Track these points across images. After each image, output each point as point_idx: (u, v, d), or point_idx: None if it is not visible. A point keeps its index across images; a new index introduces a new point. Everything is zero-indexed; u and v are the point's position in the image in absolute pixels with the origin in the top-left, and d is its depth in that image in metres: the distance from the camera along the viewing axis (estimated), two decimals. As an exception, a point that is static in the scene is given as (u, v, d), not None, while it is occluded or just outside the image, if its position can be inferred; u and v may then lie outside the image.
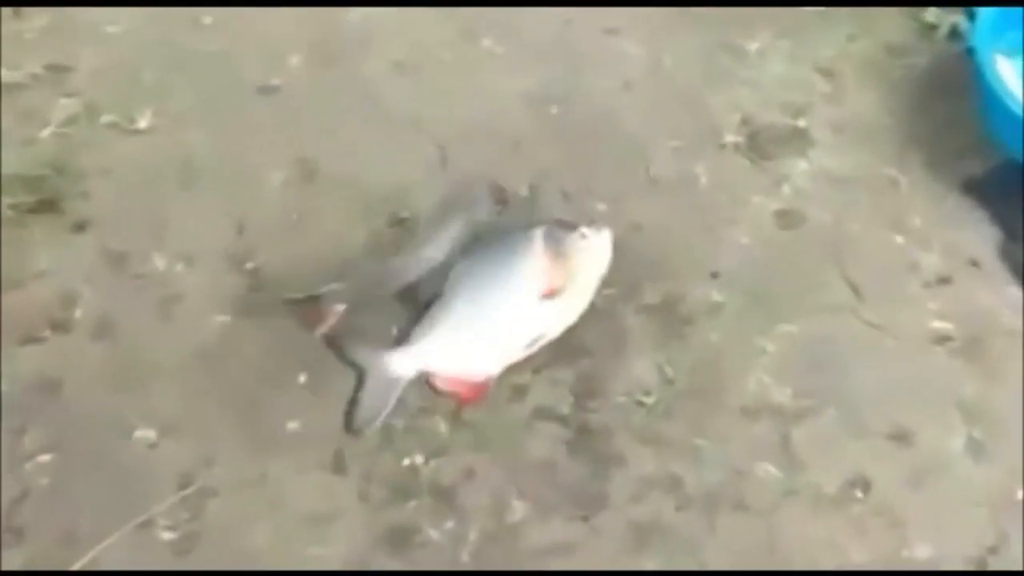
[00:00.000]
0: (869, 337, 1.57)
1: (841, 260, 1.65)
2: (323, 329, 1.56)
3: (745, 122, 1.80)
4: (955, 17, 1.89)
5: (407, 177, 1.76)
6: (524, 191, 1.74)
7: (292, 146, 1.79)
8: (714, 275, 1.65)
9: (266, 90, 1.86)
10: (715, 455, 1.49)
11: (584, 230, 1.60)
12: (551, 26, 1.92)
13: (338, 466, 1.50)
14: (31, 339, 1.60)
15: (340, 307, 1.57)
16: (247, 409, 1.54)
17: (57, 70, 1.90)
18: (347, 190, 1.75)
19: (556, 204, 1.73)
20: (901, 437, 1.49)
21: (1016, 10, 1.69)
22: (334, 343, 1.55)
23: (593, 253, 1.60)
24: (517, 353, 1.55)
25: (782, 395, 1.54)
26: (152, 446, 1.51)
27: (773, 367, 1.56)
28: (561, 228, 1.63)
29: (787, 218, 1.70)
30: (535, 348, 1.55)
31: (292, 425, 1.52)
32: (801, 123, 1.80)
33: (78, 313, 1.63)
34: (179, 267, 1.68)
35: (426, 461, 1.49)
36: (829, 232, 1.68)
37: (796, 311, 1.61)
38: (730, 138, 1.78)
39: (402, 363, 1.52)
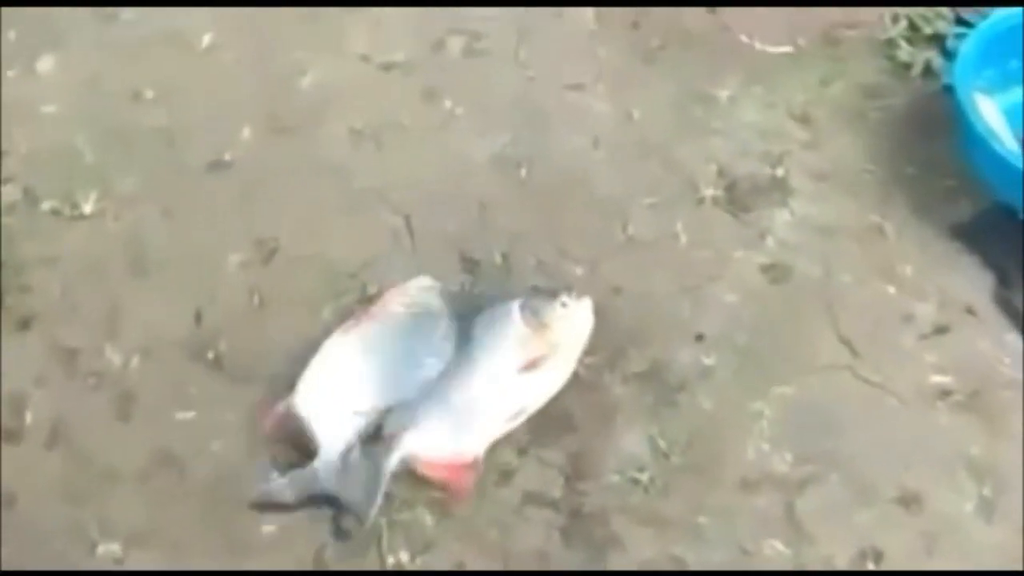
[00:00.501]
0: (868, 395, 1.55)
1: (833, 314, 1.63)
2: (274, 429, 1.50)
3: (722, 174, 1.78)
4: (928, 54, 1.88)
5: (373, 249, 1.72)
6: (496, 258, 1.69)
7: (248, 224, 1.74)
8: (699, 337, 1.61)
9: (217, 166, 1.82)
10: (718, 533, 1.46)
11: (563, 298, 1.57)
12: (512, 85, 1.90)
13: (320, 568, 1.43)
14: (-22, 450, 1.52)
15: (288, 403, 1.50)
16: (218, 513, 1.48)
17: (-11, 155, 1.84)
18: (310, 268, 1.71)
19: (530, 271, 1.70)
20: (910, 501, 1.46)
21: (994, 46, 1.69)
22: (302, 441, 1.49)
23: (574, 321, 1.57)
24: (499, 428, 1.51)
25: (783, 463, 1.51)
26: (118, 561, 1.45)
27: (771, 433, 1.53)
28: (539, 297, 1.59)
29: (773, 272, 1.68)
30: (518, 422, 1.51)
31: (268, 528, 1.47)
32: (780, 172, 1.79)
33: (28, 418, 1.57)
34: (135, 361, 1.62)
35: (412, 558, 1.45)
36: (818, 285, 1.66)
37: (790, 371, 1.58)
38: (708, 191, 1.76)
39: (384, 454, 1.47)
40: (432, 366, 1.54)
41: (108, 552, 1.45)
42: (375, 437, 1.48)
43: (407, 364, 1.53)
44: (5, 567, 1.42)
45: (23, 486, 1.49)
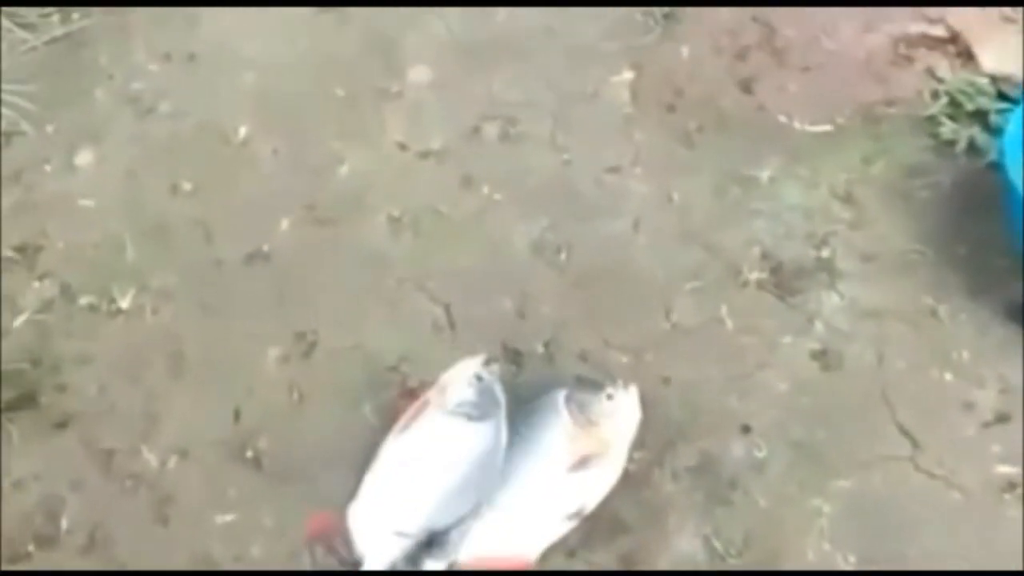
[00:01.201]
0: (932, 489, 1.46)
1: (889, 403, 1.54)
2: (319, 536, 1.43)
3: (766, 256, 1.71)
4: (971, 131, 1.82)
5: (413, 340, 1.66)
6: (539, 348, 1.62)
7: (287, 317, 1.69)
8: (745, 429, 1.52)
9: (255, 258, 1.77)
10: None
11: (609, 390, 1.49)
12: (550, 168, 1.84)
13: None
14: (14, 557, 1.46)
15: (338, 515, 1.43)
16: None
17: (28, 251, 1.80)
18: (350, 360, 1.65)
19: (574, 360, 1.63)
20: (983, 603, 1.36)
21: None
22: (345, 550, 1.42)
23: (622, 415, 1.49)
24: (556, 530, 1.43)
25: (846, 564, 1.42)
26: None
27: (832, 531, 1.45)
28: (584, 389, 1.52)
29: (824, 359, 1.60)
30: (574, 523, 1.43)
31: None
32: (825, 253, 1.71)
33: (64, 523, 1.51)
34: (172, 462, 1.57)
35: None
36: (872, 372, 1.58)
37: (849, 464, 1.50)
38: (752, 275, 1.69)
39: (431, 560, 1.41)
40: (490, 474, 1.45)
41: None
42: (424, 546, 1.39)
43: (466, 477, 1.45)
44: None
45: (59, 596, 1.41)
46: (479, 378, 1.52)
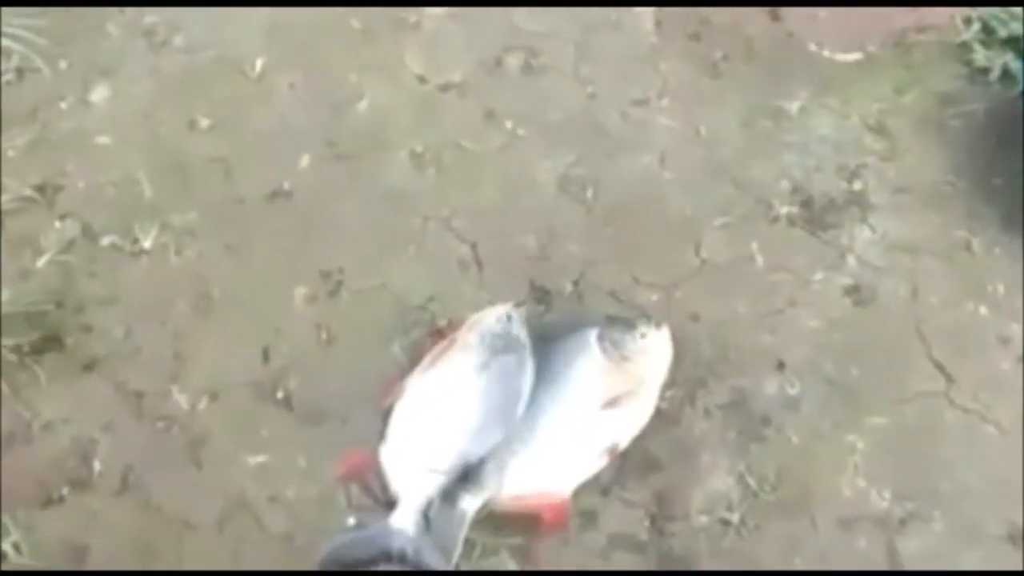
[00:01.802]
0: (967, 424, 1.45)
1: (924, 338, 1.53)
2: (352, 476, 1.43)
3: (796, 190, 1.68)
4: (1005, 57, 1.77)
5: (440, 280, 1.64)
6: (567, 286, 1.60)
7: (312, 257, 1.65)
8: (780, 366, 1.51)
9: (277, 196, 1.73)
10: None
11: (642, 328, 1.47)
12: (574, 102, 1.80)
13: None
14: (49, 500, 1.46)
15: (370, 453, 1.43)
16: (295, 562, 1.41)
17: (47, 190, 1.76)
18: (377, 300, 1.62)
19: (604, 298, 1.61)
20: (1019, 538, 1.35)
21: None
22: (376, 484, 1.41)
23: (654, 353, 1.48)
24: (589, 467, 1.42)
25: (881, 500, 1.42)
26: None
27: (866, 467, 1.45)
28: (615, 327, 1.50)
29: (857, 294, 1.59)
30: (609, 459, 1.42)
31: None
32: (857, 186, 1.68)
33: (97, 466, 1.49)
34: (203, 404, 1.55)
35: None
36: (905, 307, 1.57)
37: (882, 400, 1.49)
38: (783, 209, 1.66)
39: (468, 496, 1.39)
40: (514, 407, 1.44)
41: None
42: (458, 482, 1.38)
43: (490, 408, 1.43)
44: None
45: (94, 537, 1.43)
46: (508, 317, 1.49)
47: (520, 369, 1.45)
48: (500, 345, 1.46)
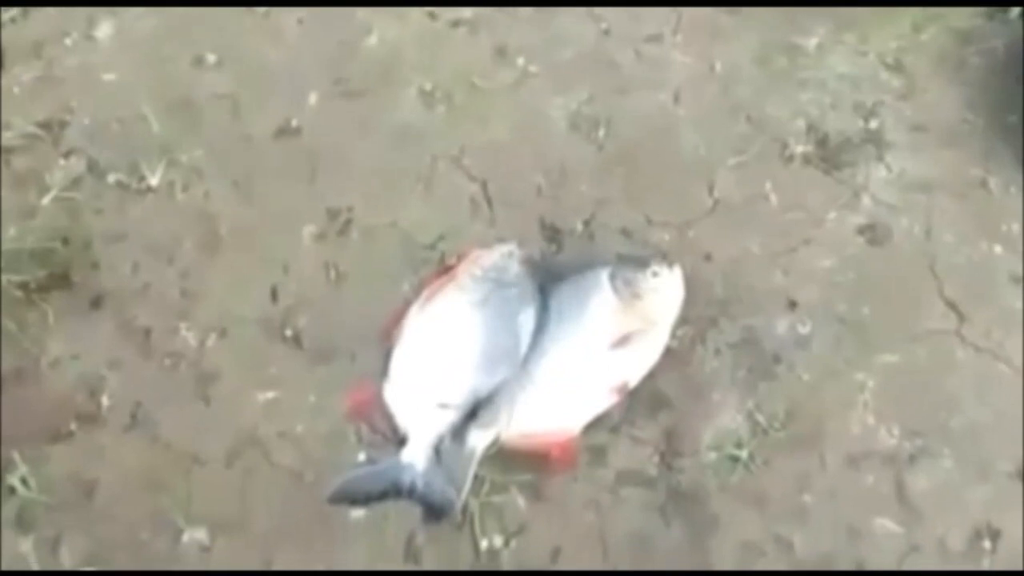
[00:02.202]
0: (978, 363, 1.45)
1: (936, 276, 1.53)
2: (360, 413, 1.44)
3: (812, 129, 1.67)
4: (1027, -6, 1.74)
5: (450, 218, 1.63)
6: (578, 225, 1.59)
7: (320, 195, 1.65)
8: (792, 305, 1.51)
9: (284, 133, 1.72)
10: (824, 513, 1.38)
11: (654, 267, 1.47)
12: (587, 38, 1.78)
13: (411, 554, 1.37)
14: (58, 435, 1.47)
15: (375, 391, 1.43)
16: (306, 499, 1.42)
17: (53, 127, 1.75)
18: (386, 238, 1.62)
19: (615, 237, 1.60)
20: (1027, 475, 1.36)
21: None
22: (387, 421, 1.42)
23: (666, 292, 1.47)
24: (598, 404, 1.42)
25: (890, 437, 1.42)
26: (205, 550, 1.39)
27: (876, 405, 1.45)
28: (627, 266, 1.49)
29: (870, 233, 1.58)
30: (617, 398, 1.43)
31: (356, 514, 1.41)
32: (873, 125, 1.67)
33: (105, 401, 1.49)
34: (211, 341, 1.55)
35: (506, 542, 1.38)
36: (919, 246, 1.56)
37: (893, 338, 1.49)
38: (797, 148, 1.65)
39: (477, 432, 1.40)
40: (518, 339, 1.44)
41: (194, 540, 1.40)
42: (468, 419, 1.39)
43: (493, 341, 1.43)
44: (88, 561, 1.38)
45: (103, 473, 1.44)
46: (509, 254, 1.50)
47: (520, 305, 1.45)
48: (499, 281, 1.47)
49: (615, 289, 1.46)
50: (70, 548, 1.38)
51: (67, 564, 1.37)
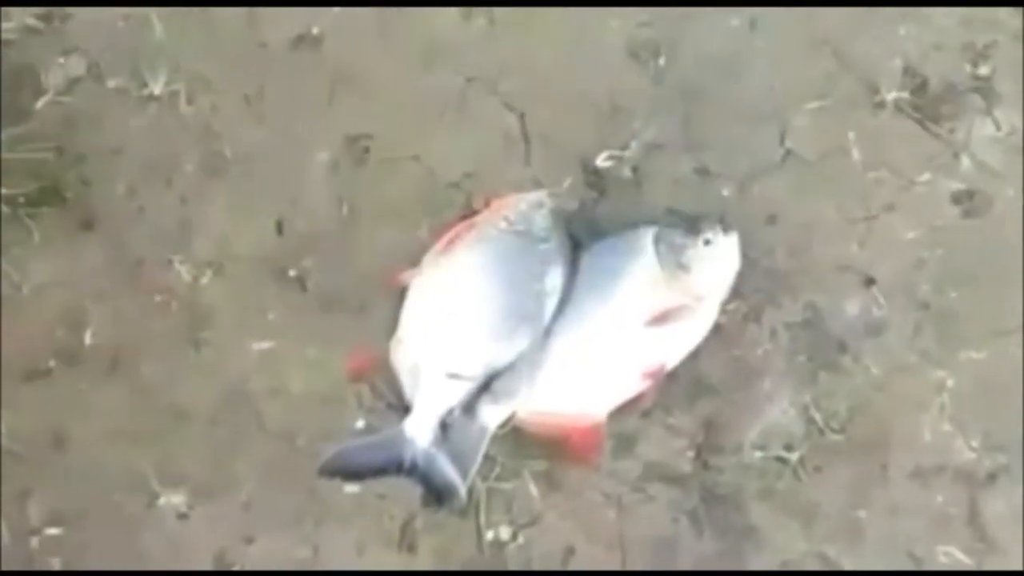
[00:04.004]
0: (1080, 369, 1.27)
1: (1043, 260, 1.33)
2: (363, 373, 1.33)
3: (908, 71, 1.47)
4: None
5: (480, 154, 1.47)
6: (626, 172, 1.43)
7: (338, 118, 1.51)
8: (869, 282, 1.36)
9: (303, 42, 1.56)
10: (881, 533, 1.27)
11: (707, 234, 1.31)
12: (654, -52, 1.56)
13: (407, 542, 1.29)
14: (34, 373, 1.39)
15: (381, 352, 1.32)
16: (296, 467, 1.32)
17: (53, 20, 1.61)
18: (407, 173, 1.47)
19: (667, 188, 1.44)
20: (1126, 509, 1.20)
21: None
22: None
23: (718, 263, 1.31)
24: (629, 388, 1.29)
25: (968, 449, 1.29)
26: (182, 516, 1.32)
27: (955, 410, 1.31)
28: (676, 229, 1.34)
29: (968, 203, 1.40)
30: (651, 384, 1.29)
31: (351, 489, 1.31)
32: (983, 71, 1.46)
33: (88, 338, 1.40)
34: (207, 278, 1.43)
35: (514, 535, 1.28)
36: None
37: (983, 332, 1.34)
38: (890, 94, 1.46)
39: (490, 408, 1.28)
40: (542, 305, 1.29)
41: (170, 505, 1.32)
42: (480, 391, 1.26)
43: (514, 305, 1.29)
44: (57, 520, 1.31)
45: (78, 422, 1.36)
46: (540, 204, 1.35)
47: (548, 264, 1.32)
48: (526, 234, 1.33)
49: (659, 255, 1.31)
50: (38, 505, 1.31)
51: (34, 522, 1.30)
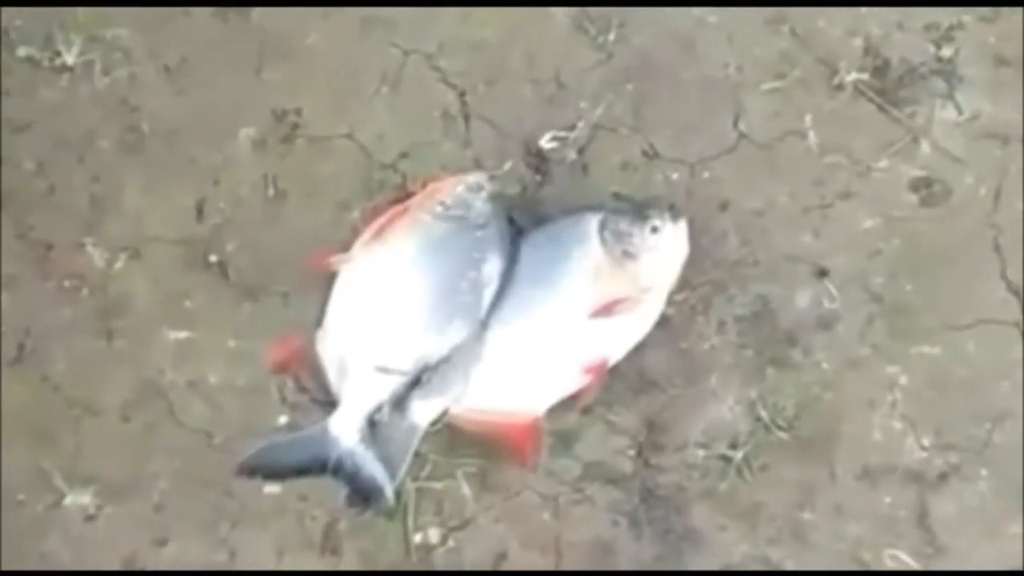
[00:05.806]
0: (1038, 365, 1.31)
1: (1001, 252, 1.39)
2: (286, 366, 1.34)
3: (870, 51, 1.49)
4: None
5: (417, 133, 1.48)
6: (571, 154, 1.45)
7: (265, 91, 1.51)
8: (821, 273, 1.38)
9: (230, 9, 1.56)
10: (827, 535, 1.30)
11: (655, 220, 1.32)
12: (604, -83, 1.58)
13: (330, 545, 1.30)
14: (-67, 359, 1.37)
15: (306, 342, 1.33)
16: (212, 465, 1.34)
17: (-40, -18, 1.60)
18: (338, 153, 1.48)
19: (613, 172, 1.45)
20: (1080, 513, 1.24)
21: None
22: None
23: (666, 252, 1.33)
24: (569, 384, 1.31)
25: (919, 448, 1.32)
26: (90, 518, 1.33)
27: (906, 407, 1.34)
28: (623, 215, 1.36)
29: (927, 190, 1.42)
30: (592, 379, 1.31)
31: (270, 489, 1.33)
32: (946, 52, 1.49)
33: (-8, 329, 1.39)
34: (121, 263, 1.44)
35: (444, 538, 1.30)
36: (984, 212, 1.41)
37: (938, 326, 1.36)
38: (849, 75, 1.48)
39: (421, 404, 1.29)
40: (479, 296, 1.31)
41: (77, 505, 1.33)
42: (411, 386, 1.27)
43: (449, 296, 1.31)
44: None
45: (-21, 417, 1.34)
46: (478, 187, 1.37)
47: (485, 252, 1.34)
48: (462, 220, 1.34)
49: (604, 242, 1.33)
50: (-64, 503, 1.30)
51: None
